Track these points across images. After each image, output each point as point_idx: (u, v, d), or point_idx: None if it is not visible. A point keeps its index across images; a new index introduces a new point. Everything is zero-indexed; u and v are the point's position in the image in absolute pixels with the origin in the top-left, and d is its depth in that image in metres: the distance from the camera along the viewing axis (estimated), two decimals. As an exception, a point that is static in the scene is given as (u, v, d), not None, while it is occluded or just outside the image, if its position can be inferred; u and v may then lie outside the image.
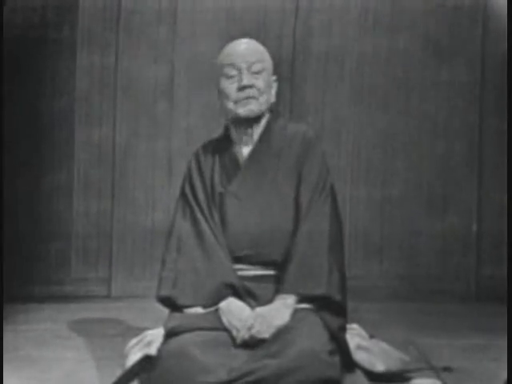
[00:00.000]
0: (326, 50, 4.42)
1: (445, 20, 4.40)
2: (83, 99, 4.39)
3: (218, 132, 2.82)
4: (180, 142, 4.39)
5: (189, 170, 2.76)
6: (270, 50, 2.76)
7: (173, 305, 2.61)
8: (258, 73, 2.66)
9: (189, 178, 2.74)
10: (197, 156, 2.77)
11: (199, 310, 2.58)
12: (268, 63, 2.71)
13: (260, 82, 2.66)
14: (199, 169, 2.74)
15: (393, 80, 4.44)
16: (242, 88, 2.64)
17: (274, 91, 2.73)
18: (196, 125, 4.39)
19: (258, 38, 2.76)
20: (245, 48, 2.68)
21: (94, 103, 4.40)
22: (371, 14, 4.41)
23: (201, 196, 2.70)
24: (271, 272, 2.63)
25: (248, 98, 2.64)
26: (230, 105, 2.66)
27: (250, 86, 2.64)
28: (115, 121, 4.41)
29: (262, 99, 2.67)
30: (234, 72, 2.65)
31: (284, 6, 4.41)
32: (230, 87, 2.65)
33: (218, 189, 2.70)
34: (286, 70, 4.34)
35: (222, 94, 2.69)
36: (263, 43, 2.76)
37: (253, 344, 2.45)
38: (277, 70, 2.77)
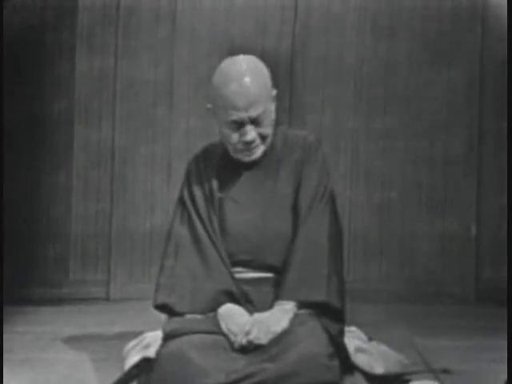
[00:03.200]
0: (325, 52, 4.42)
1: (444, 20, 4.40)
2: (82, 101, 4.39)
3: (217, 135, 2.80)
4: (179, 144, 4.39)
5: (188, 174, 2.74)
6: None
7: (170, 312, 2.60)
8: (261, 120, 2.57)
9: (187, 182, 2.72)
10: (196, 160, 2.75)
11: (197, 316, 2.57)
12: (270, 95, 2.61)
13: (264, 130, 2.59)
14: (198, 173, 2.72)
15: (392, 82, 4.43)
16: (245, 143, 2.58)
17: (274, 107, 2.65)
18: (196, 127, 4.38)
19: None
20: (246, 98, 2.53)
21: (93, 105, 4.40)
22: (370, 15, 4.41)
23: (199, 201, 2.68)
24: (270, 275, 2.63)
25: (252, 148, 2.60)
26: (231, 150, 2.62)
27: (254, 140, 2.59)
28: (114, 123, 4.40)
29: (267, 141, 2.63)
30: (236, 124, 2.57)
31: (283, 7, 4.41)
32: (233, 136, 2.58)
33: (218, 194, 2.69)
34: (284, 71, 4.34)
35: (222, 137, 2.62)
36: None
37: (250, 350, 2.44)
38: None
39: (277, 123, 2.73)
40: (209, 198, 2.67)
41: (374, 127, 4.44)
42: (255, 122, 2.57)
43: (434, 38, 4.41)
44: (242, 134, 2.57)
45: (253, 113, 2.55)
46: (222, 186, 2.69)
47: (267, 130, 2.61)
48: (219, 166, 2.72)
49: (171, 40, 4.41)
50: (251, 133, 2.57)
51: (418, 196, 4.44)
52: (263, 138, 2.60)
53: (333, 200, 2.68)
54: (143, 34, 4.39)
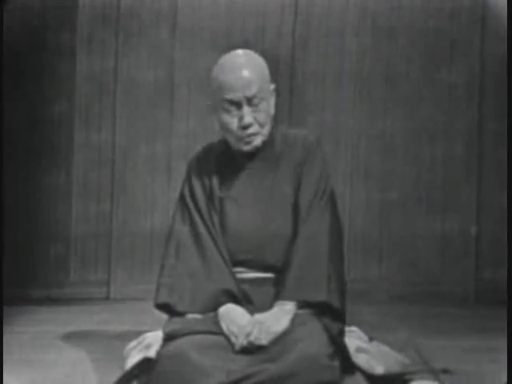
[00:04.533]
0: (325, 51, 4.42)
1: (444, 21, 4.41)
2: (83, 102, 4.39)
3: (217, 135, 2.81)
4: (179, 144, 4.39)
5: (188, 173, 2.74)
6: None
7: (171, 311, 2.60)
8: (258, 104, 2.59)
9: (188, 182, 2.72)
10: (197, 160, 2.75)
11: (198, 316, 2.57)
12: (267, 84, 2.63)
13: (261, 115, 2.59)
14: (199, 173, 2.71)
15: (392, 82, 4.44)
16: (243, 127, 2.60)
17: (273, 102, 2.66)
18: (196, 127, 4.39)
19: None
20: (242, 78, 2.56)
21: (94, 106, 4.40)
22: (370, 15, 4.41)
23: (200, 200, 2.68)
24: (270, 275, 2.63)
25: (250, 135, 2.60)
26: (232, 140, 2.63)
27: (252, 124, 2.59)
28: (115, 123, 4.41)
29: (265, 130, 2.63)
30: (233, 107, 2.58)
31: (283, 7, 4.41)
32: (231, 122, 2.59)
33: (218, 193, 2.69)
34: (285, 71, 4.34)
35: (222, 127, 2.63)
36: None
37: (251, 350, 2.44)
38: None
39: (277, 123, 2.73)
40: (209, 198, 2.67)
41: (374, 127, 4.44)
42: (252, 104, 2.58)
43: (434, 38, 4.41)
44: (240, 118, 2.58)
45: (248, 92, 2.56)
46: (223, 186, 2.69)
47: (265, 116, 2.61)
48: (219, 165, 2.71)
49: (171, 40, 4.41)
50: (248, 116, 2.58)
51: (417, 196, 4.45)
52: (261, 125, 2.61)
53: (333, 200, 2.68)
54: (143, 34, 4.40)
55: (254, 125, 2.59)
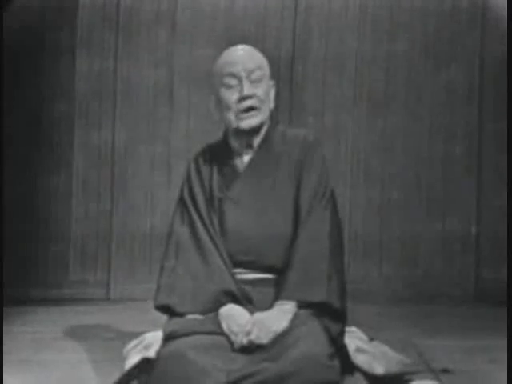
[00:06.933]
0: (325, 53, 4.43)
1: (443, 22, 4.41)
2: (82, 102, 4.39)
3: (217, 135, 2.81)
4: (179, 144, 4.39)
5: (188, 174, 2.74)
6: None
7: (171, 312, 2.60)
8: (257, 81, 2.62)
9: (188, 182, 2.73)
10: (196, 160, 2.75)
11: (198, 317, 2.57)
12: (266, 69, 2.68)
13: (260, 91, 2.62)
14: (198, 173, 2.72)
15: (392, 82, 4.44)
16: (242, 98, 2.61)
17: (272, 96, 2.70)
18: (195, 127, 4.39)
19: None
20: (243, 55, 2.64)
21: (94, 106, 4.40)
22: (370, 16, 4.42)
23: (200, 201, 2.68)
24: (271, 275, 2.63)
25: (249, 109, 2.61)
26: (231, 116, 2.63)
27: (251, 97, 2.61)
28: (114, 123, 4.41)
29: (263, 108, 2.64)
30: (233, 82, 2.61)
31: (283, 8, 4.41)
32: (231, 98, 2.61)
33: (217, 194, 2.68)
34: (285, 71, 4.34)
35: (222, 105, 2.64)
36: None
37: (251, 349, 2.44)
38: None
39: (276, 122, 2.73)
40: (209, 198, 2.67)
41: (374, 127, 4.44)
42: (251, 79, 2.61)
43: (434, 39, 4.42)
44: (240, 91, 2.60)
45: (248, 65, 2.61)
46: (222, 186, 2.69)
47: (264, 94, 2.63)
48: (219, 166, 2.72)
49: (171, 40, 4.41)
50: (248, 89, 2.60)
51: (418, 196, 4.45)
52: (260, 101, 2.62)
53: (333, 200, 2.68)
54: (143, 34, 4.40)
55: (253, 98, 2.61)
